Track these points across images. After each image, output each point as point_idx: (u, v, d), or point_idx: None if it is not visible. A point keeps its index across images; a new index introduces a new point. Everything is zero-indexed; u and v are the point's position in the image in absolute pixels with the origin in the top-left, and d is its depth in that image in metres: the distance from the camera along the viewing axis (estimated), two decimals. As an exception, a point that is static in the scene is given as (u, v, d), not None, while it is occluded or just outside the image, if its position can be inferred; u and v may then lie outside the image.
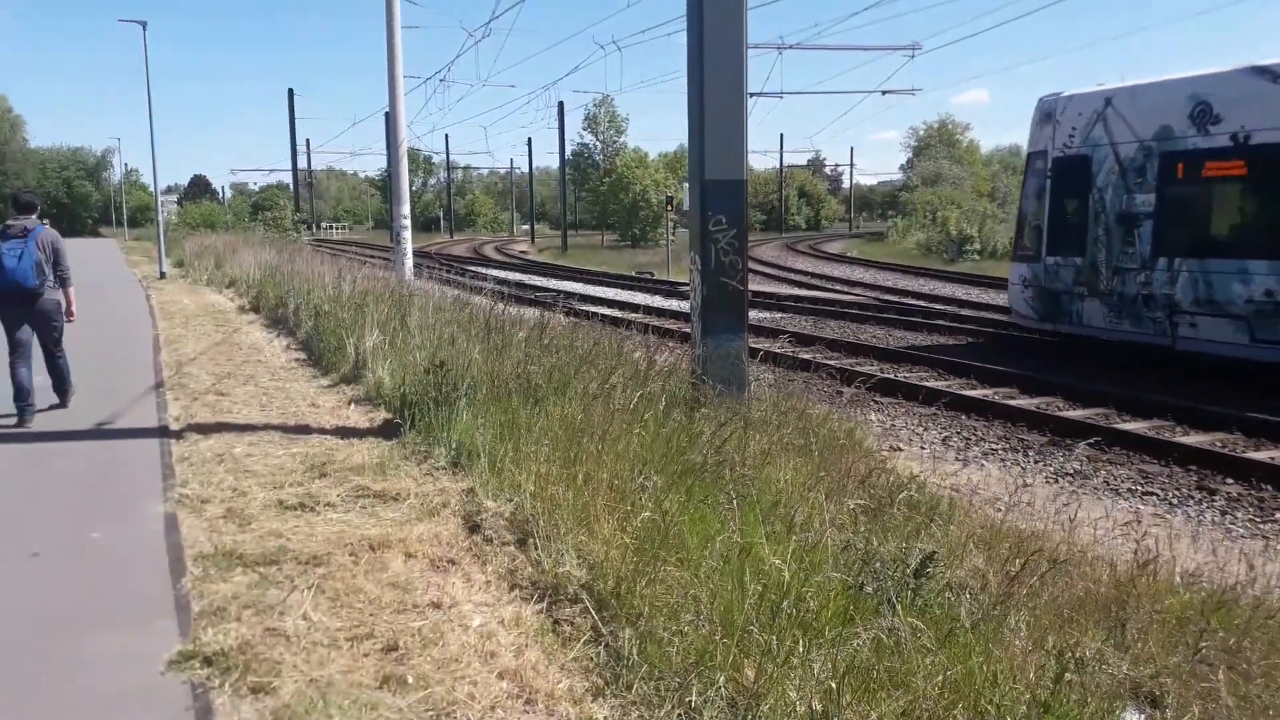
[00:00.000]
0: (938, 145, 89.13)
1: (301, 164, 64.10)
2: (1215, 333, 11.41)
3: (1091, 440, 8.08)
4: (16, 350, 8.27)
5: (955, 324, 17.07)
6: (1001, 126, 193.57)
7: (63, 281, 8.45)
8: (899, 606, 3.68)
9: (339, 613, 4.17)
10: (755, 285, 22.98)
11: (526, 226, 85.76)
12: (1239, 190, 11.61)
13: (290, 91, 57.93)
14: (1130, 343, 12.62)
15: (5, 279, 8.02)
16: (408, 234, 15.22)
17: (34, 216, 8.38)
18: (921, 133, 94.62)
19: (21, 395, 8.18)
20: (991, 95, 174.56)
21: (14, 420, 8.16)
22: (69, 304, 8.61)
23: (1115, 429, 9.21)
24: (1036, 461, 8.54)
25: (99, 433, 7.94)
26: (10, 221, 8.24)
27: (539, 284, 26.63)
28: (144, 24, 27.16)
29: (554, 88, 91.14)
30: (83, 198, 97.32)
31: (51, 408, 8.69)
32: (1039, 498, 6.77)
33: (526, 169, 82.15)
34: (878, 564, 4.07)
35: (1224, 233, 11.87)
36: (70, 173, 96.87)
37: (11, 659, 3.91)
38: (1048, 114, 13.82)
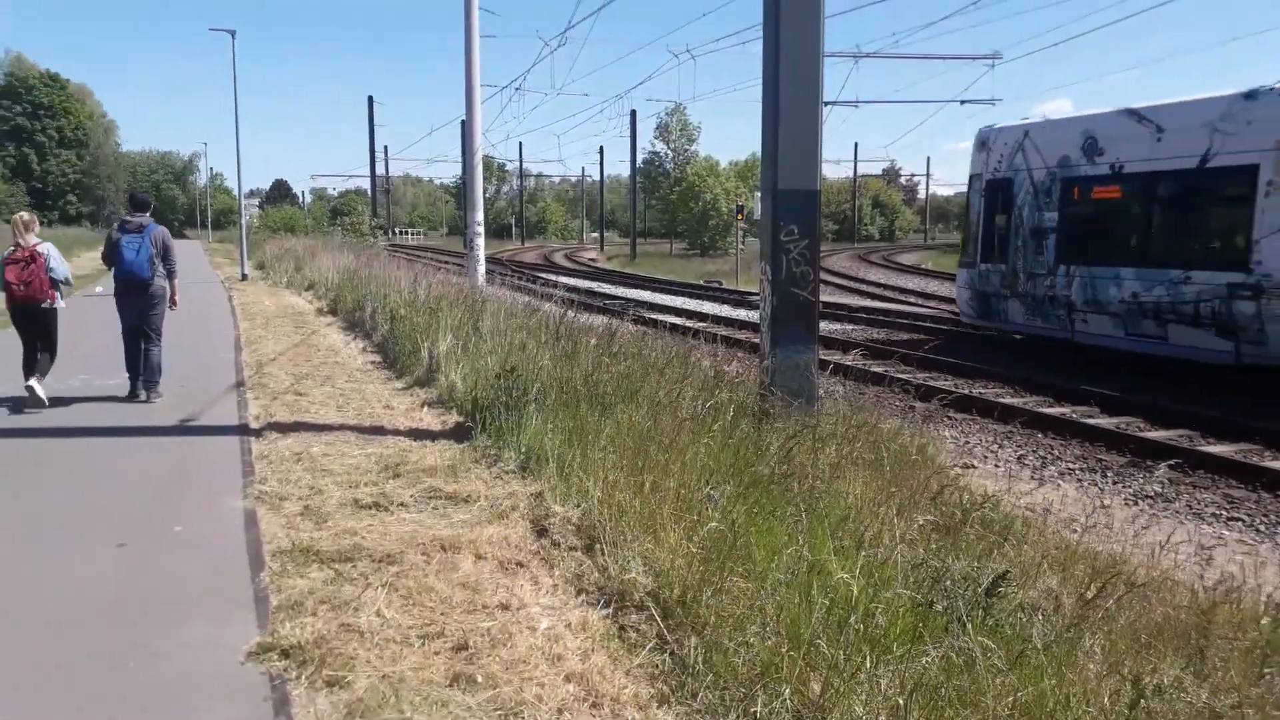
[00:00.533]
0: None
1: (380, 170, 65.55)
2: (1100, 328, 13.77)
3: (1173, 462, 7.86)
4: (131, 334, 9.36)
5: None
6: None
7: (170, 274, 9.44)
8: (969, 625, 3.62)
9: (411, 611, 4.26)
10: (826, 296, 22.82)
11: (596, 234, 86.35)
12: (1115, 210, 13.80)
13: (370, 99, 59.41)
14: (1041, 335, 15.08)
15: (123, 269, 9.10)
16: (481, 240, 15.43)
17: (148, 215, 9.40)
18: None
19: (134, 369, 9.39)
20: (1076, 105, 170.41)
21: (126, 391, 9.41)
22: (173, 293, 9.59)
23: (1200, 451, 8.93)
24: (1115, 482, 8.32)
25: (183, 429, 8.22)
26: (127, 218, 9.29)
27: (608, 291, 26.80)
28: (233, 33, 28.13)
29: (627, 96, 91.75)
30: (169, 200, 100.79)
31: (137, 401, 9.27)
32: (1117, 519, 6.61)
33: (597, 177, 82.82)
34: (948, 582, 4.02)
35: (1104, 245, 13.92)
36: (159, 176, 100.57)
37: (99, 645, 4.07)
38: (983, 142, 16.19)
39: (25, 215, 8.84)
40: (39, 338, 8.86)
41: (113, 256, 9.15)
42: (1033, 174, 14.85)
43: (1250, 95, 11.60)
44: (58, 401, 9.03)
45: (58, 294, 8.85)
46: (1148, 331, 12.92)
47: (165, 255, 9.31)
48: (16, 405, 8.80)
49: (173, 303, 9.62)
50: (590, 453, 5.89)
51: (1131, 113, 13.28)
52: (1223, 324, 11.80)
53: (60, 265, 8.80)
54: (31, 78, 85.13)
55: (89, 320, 9.62)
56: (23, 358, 8.90)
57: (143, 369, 9.36)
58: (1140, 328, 13.00)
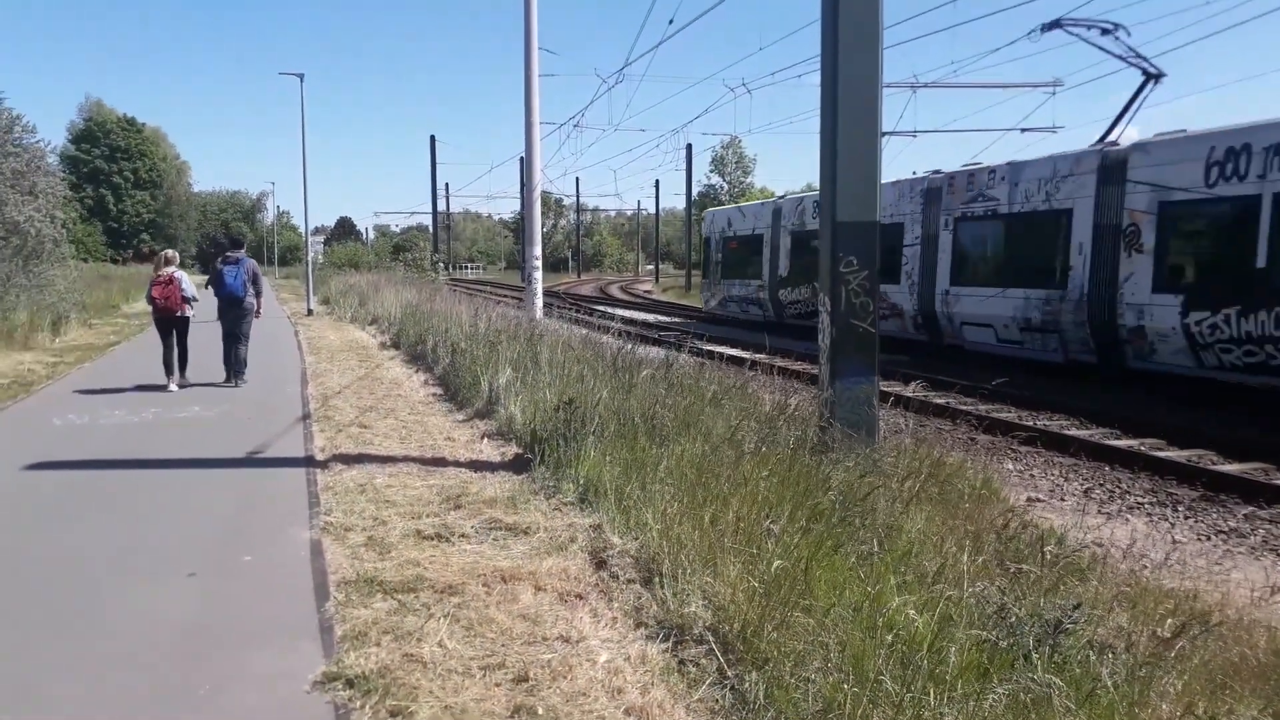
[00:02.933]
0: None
1: (441, 207, 66.74)
2: (738, 310, 27.59)
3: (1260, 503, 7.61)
4: (229, 338, 12.95)
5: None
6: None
7: (257, 294, 13.08)
8: (1038, 663, 3.55)
9: (472, 641, 4.30)
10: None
11: (651, 266, 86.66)
12: (735, 253, 27.74)
13: (432, 139, 60.61)
14: (721, 316, 28.65)
15: (225, 290, 12.77)
16: (539, 274, 15.55)
17: (242, 251, 13.26)
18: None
19: (230, 364, 12.92)
20: (1141, 131, 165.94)
21: (231, 383, 12.81)
22: (259, 306, 13.25)
23: (1276, 485, 8.63)
24: (1187, 517, 8.08)
25: (252, 461, 8.41)
26: (228, 254, 13.12)
27: (664, 322, 26.94)
28: (301, 76, 28.97)
29: (683, 130, 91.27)
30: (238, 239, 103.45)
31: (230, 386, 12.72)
32: (1189, 555, 6.42)
33: (653, 210, 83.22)
34: (1014, 618, 3.94)
35: (732, 269, 27.97)
36: (228, 214, 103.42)
37: (170, 673, 4.16)
38: (703, 219, 31.41)
39: (170, 253, 13.22)
40: (174, 339, 12.62)
41: (218, 282, 12.81)
42: (715, 234, 29.08)
43: (774, 203, 25.95)
44: (193, 385, 12.72)
45: (188, 306, 12.52)
46: (749, 310, 26.95)
47: (254, 280, 12.96)
48: (150, 389, 12.51)
49: (258, 313, 13.24)
50: (648, 485, 5.90)
51: (737, 208, 29.02)
52: (761, 306, 26.06)
53: (189, 288, 12.57)
54: (109, 122, 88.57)
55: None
56: (162, 355, 12.65)
57: (235, 362, 12.88)
58: (745, 309, 27.21)
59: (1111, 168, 14.34)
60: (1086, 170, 14.84)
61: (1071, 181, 15.12)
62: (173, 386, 12.41)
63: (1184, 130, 13.56)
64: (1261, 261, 11.89)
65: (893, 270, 19.24)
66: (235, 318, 12.83)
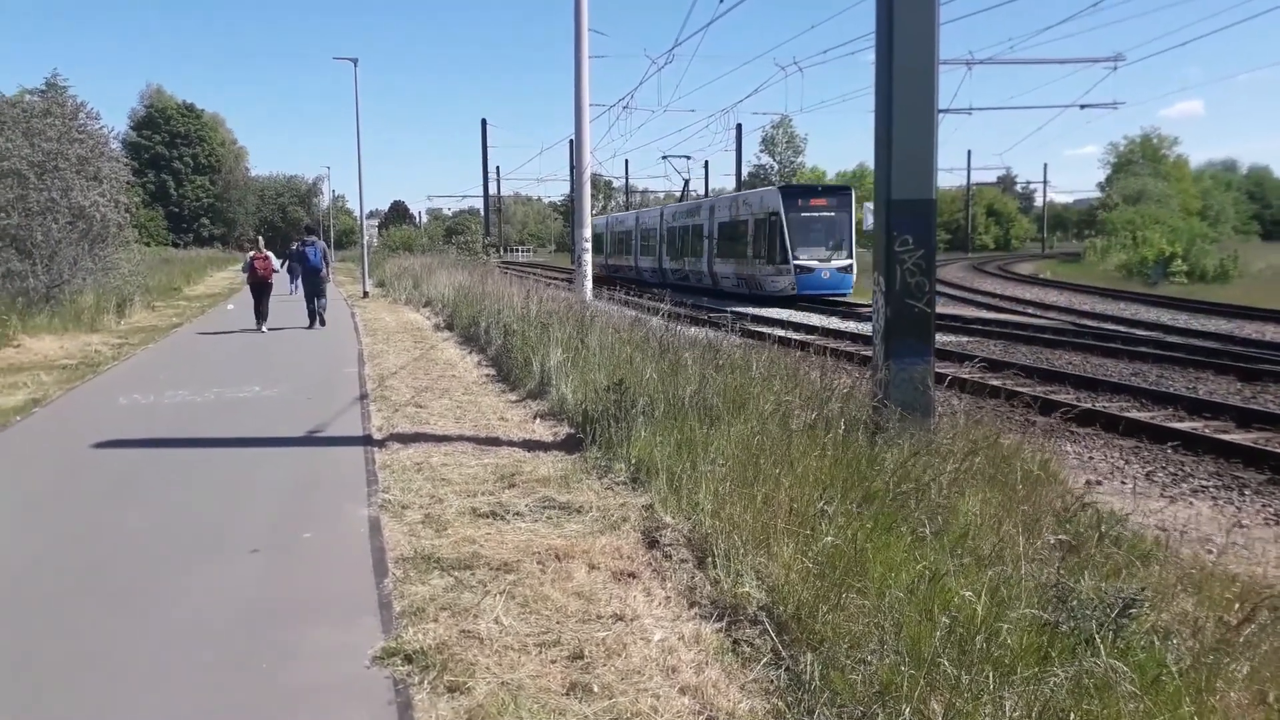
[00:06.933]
0: (1140, 161, 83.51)
1: (492, 190, 67.06)
2: (610, 273, 44.14)
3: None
4: (310, 298, 18.89)
5: (1160, 351, 15.97)
6: (1217, 139, 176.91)
7: (328, 265, 19.91)
8: (1100, 647, 3.48)
9: (528, 619, 4.35)
10: (940, 308, 22.33)
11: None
12: (616, 240, 48.60)
13: (484, 122, 60.91)
14: (617, 278, 38.12)
15: (309, 265, 19.11)
16: (588, 256, 15.51)
17: (315, 236, 20.21)
18: (1123, 148, 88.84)
19: (312, 315, 18.80)
20: (1207, 105, 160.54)
21: (310, 326, 18.69)
22: (330, 273, 20.53)
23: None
24: (1254, 501, 7.87)
25: (310, 440, 8.57)
26: (305, 238, 19.95)
27: (711, 304, 26.76)
28: (355, 61, 29.26)
29: (733, 110, 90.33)
30: (294, 222, 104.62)
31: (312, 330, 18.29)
32: (1256, 540, 6.26)
33: (702, 191, 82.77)
34: (1074, 602, 3.87)
35: (617, 251, 47.81)
36: (284, 199, 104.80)
37: (235, 646, 4.28)
38: (601, 222, 51.15)
39: (260, 238, 19.95)
40: (263, 298, 18.21)
41: (301, 258, 19.40)
42: (607, 231, 48.44)
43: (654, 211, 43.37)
44: (275, 329, 18.08)
45: (274, 275, 18.62)
46: (611, 271, 44.06)
47: (325, 256, 19.44)
48: (251, 331, 17.89)
49: (328, 278, 19.75)
50: (699, 465, 5.90)
51: (609, 216, 55.32)
52: (610, 270, 44.87)
53: (275, 261, 18.89)
54: (170, 109, 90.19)
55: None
56: (254, 308, 18.28)
57: (318, 311, 18.78)
58: (609, 272, 43.56)
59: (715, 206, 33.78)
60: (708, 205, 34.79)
61: (704, 210, 34.58)
62: (263, 329, 17.94)
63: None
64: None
65: (630, 251, 43.72)
66: (314, 282, 18.97)
